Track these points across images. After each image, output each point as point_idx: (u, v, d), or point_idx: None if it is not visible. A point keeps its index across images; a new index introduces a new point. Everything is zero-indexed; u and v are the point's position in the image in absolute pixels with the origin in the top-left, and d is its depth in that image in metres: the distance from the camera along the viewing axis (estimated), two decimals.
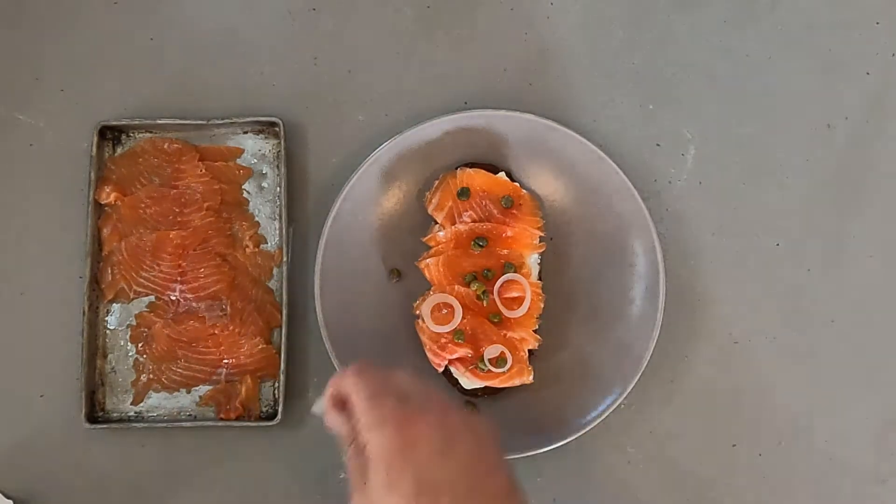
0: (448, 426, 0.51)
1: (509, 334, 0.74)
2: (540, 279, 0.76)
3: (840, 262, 0.80)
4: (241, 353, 0.76)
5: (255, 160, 0.80)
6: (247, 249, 0.78)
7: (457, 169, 0.77)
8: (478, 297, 0.73)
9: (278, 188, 0.79)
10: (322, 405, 0.58)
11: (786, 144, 0.82)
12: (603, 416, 0.73)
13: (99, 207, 0.78)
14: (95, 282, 0.77)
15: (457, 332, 0.72)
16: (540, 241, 0.76)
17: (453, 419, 0.52)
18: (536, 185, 0.78)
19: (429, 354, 0.74)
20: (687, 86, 0.82)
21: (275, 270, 0.78)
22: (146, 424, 0.75)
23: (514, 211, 0.75)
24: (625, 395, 0.73)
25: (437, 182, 0.77)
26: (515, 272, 0.74)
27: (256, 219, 0.79)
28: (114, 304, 0.78)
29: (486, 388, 0.74)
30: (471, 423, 0.53)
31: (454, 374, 0.74)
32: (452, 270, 0.74)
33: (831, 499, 0.77)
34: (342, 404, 0.56)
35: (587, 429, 0.73)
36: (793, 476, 0.77)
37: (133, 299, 0.78)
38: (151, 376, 0.77)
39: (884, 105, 0.82)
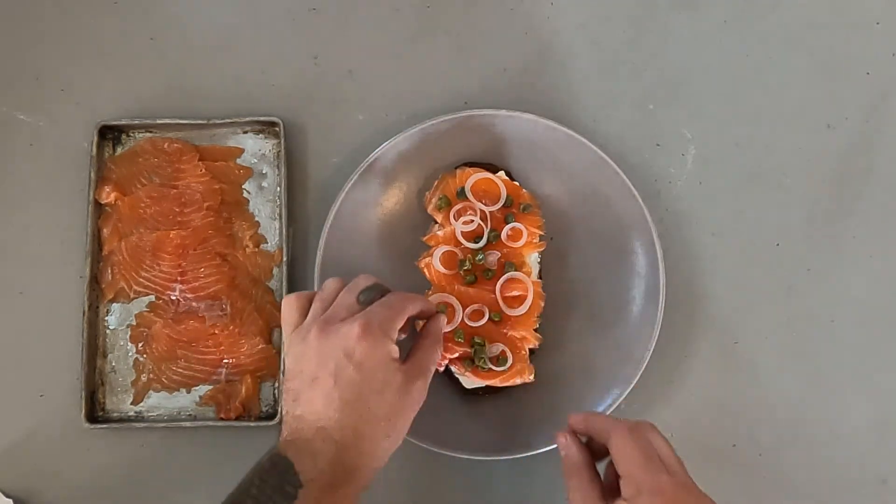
0: None
1: (510, 333, 0.73)
2: (540, 278, 0.76)
3: (840, 262, 0.80)
4: (241, 353, 0.76)
5: (255, 160, 0.80)
6: (247, 249, 0.78)
7: (457, 169, 0.77)
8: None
9: (278, 188, 0.79)
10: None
11: (786, 144, 0.81)
12: None
13: (99, 207, 0.78)
14: (95, 282, 0.77)
15: (457, 332, 0.72)
16: (540, 240, 0.76)
17: None
18: (536, 185, 0.78)
19: None
20: (687, 86, 0.82)
21: (275, 270, 0.78)
22: (146, 424, 0.75)
23: (514, 211, 0.75)
24: (625, 395, 0.73)
25: (436, 182, 0.77)
26: (516, 271, 0.74)
27: (256, 219, 0.79)
28: (114, 304, 0.78)
29: (487, 387, 0.74)
30: None
31: (454, 374, 0.74)
32: (452, 268, 0.74)
33: (831, 499, 0.77)
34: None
35: None
36: (793, 476, 0.77)
37: (133, 299, 0.78)
38: (151, 376, 0.77)
39: (884, 105, 0.82)
